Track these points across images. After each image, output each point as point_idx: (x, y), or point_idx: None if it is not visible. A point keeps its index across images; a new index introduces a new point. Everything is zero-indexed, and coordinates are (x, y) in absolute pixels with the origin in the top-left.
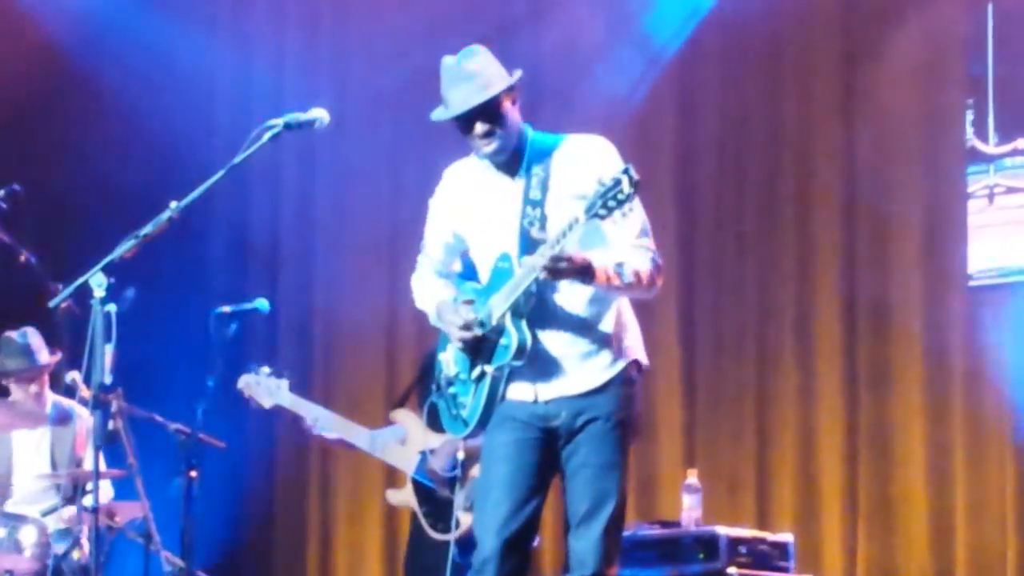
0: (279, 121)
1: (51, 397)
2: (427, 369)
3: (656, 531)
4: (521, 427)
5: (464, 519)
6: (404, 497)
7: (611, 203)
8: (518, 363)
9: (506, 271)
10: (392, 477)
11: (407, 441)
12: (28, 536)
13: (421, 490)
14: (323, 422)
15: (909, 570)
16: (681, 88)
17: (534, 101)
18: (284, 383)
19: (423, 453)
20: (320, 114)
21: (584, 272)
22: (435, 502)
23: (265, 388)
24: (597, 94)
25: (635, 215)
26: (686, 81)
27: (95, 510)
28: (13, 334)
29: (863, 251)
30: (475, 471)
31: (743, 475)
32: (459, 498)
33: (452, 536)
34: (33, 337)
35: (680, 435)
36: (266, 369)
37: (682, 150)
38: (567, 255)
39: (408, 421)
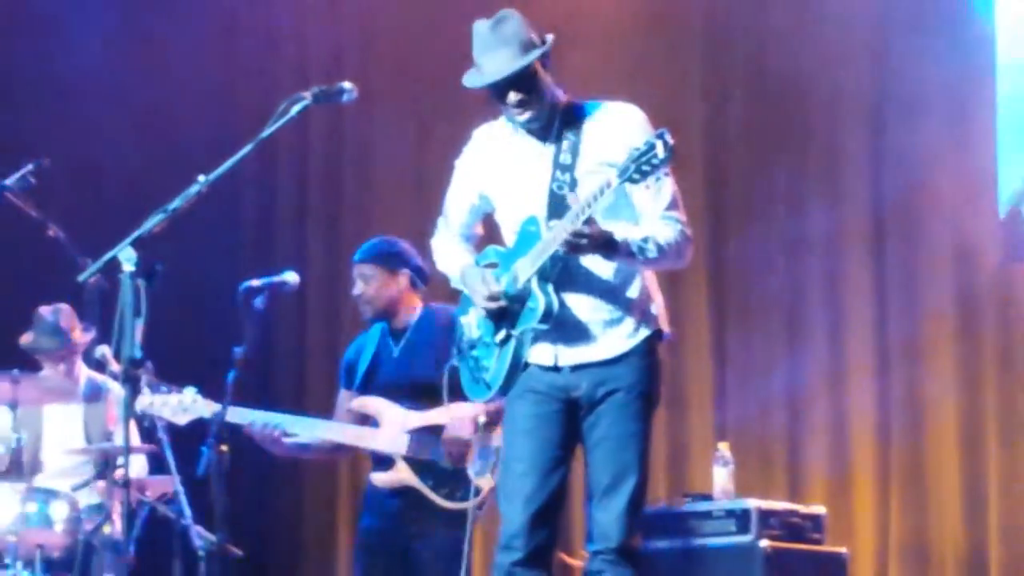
0: (306, 93)
1: (84, 372)
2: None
3: (688, 504)
4: (542, 399)
5: (483, 484)
6: (398, 476)
7: (644, 167)
8: (543, 327)
9: (533, 235)
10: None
11: (382, 424)
12: (59, 511)
13: (419, 466)
14: (281, 424)
15: (942, 543)
16: (711, 61)
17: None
18: (195, 396)
19: (413, 432)
20: (347, 86)
21: (606, 247)
22: (439, 475)
23: (175, 406)
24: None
25: (665, 186)
26: (715, 54)
27: (126, 485)
28: (46, 311)
29: (892, 229)
30: (493, 438)
31: (775, 447)
32: (473, 466)
33: (472, 503)
34: (66, 316)
35: (711, 407)
36: (164, 389)
37: (711, 120)
38: (589, 231)
39: (375, 405)
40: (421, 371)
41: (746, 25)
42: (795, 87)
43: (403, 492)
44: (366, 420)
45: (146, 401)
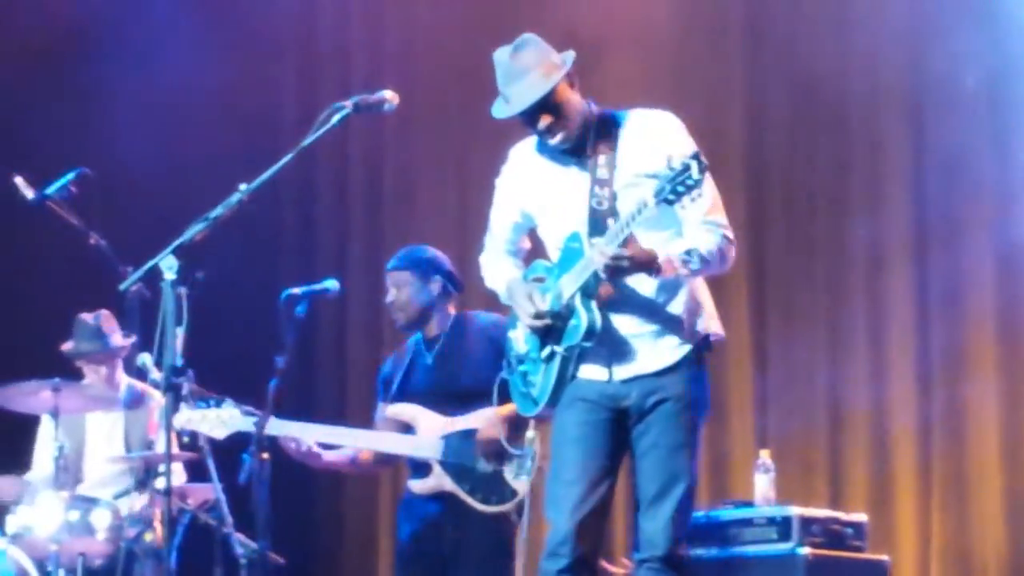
0: (348, 103)
1: (125, 380)
2: (397, 371)
3: (729, 511)
4: (591, 408)
5: (520, 488)
6: (435, 483)
7: (680, 188)
8: (588, 344)
9: (576, 251)
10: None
11: (418, 431)
12: (101, 519)
13: (455, 471)
14: (318, 436)
15: (983, 550)
16: (751, 63)
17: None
18: (234, 410)
19: (448, 437)
20: (388, 95)
21: (648, 267)
22: (476, 479)
23: (213, 420)
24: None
25: (705, 191)
26: (755, 56)
27: (167, 493)
28: (87, 316)
29: (935, 232)
30: (527, 440)
31: (816, 455)
32: (511, 470)
33: (506, 507)
34: (107, 320)
35: (752, 415)
36: (202, 404)
37: (752, 127)
38: (628, 253)
39: (410, 412)
40: (454, 377)
41: (786, 26)
42: (835, 88)
43: (441, 498)
44: (404, 428)
45: (184, 417)
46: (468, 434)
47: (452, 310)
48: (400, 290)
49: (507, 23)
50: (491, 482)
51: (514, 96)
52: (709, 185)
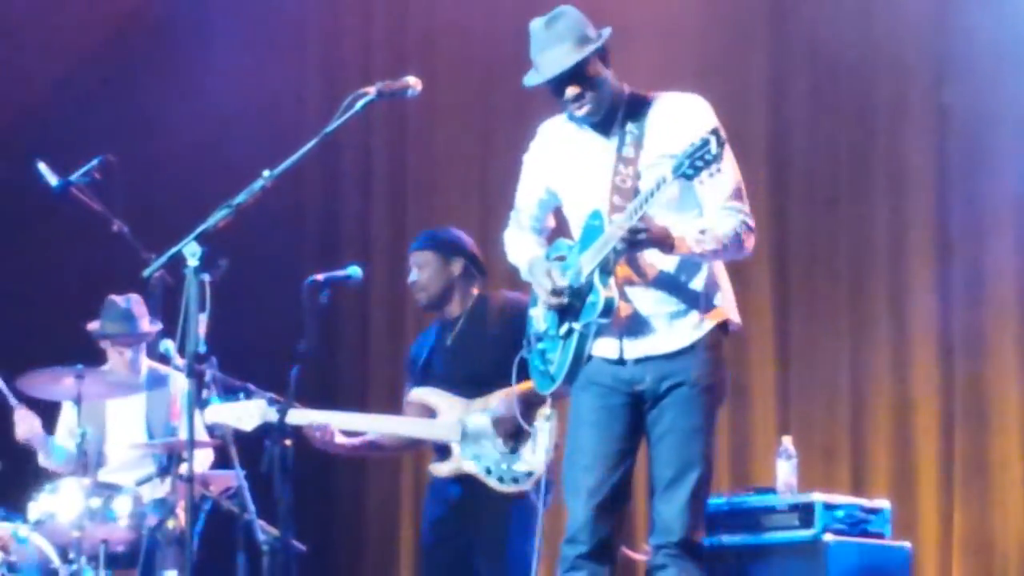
0: (371, 89)
1: (146, 364)
2: (422, 352)
3: (751, 497)
4: (607, 392)
5: (537, 467)
6: (455, 465)
7: (698, 163)
8: (605, 321)
9: (597, 228)
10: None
11: (439, 414)
12: (123, 506)
13: (474, 453)
14: (340, 423)
15: (1006, 537)
16: (774, 52)
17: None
18: (260, 402)
19: (466, 419)
20: (411, 81)
21: (663, 242)
22: (494, 459)
23: (242, 412)
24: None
25: (727, 176)
26: (778, 45)
27: (189, 479)
28: (118, 298)
29: (957, 219)
30: (543, 416)
31: (838, 441)
32: (528, 449)
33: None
34: (137, 304)
35: (774, 401)
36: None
37: (775, 118)
38: (645, 226)
39: (432, 396)
40: (473, 359)
41: (809, 14)
42: (859, 77)
43: (462, 480)
44: (427, 411)
45: (213, 412)
46: (485, 415)
47: (475, 291)
48: (422, 270)
49: (531, 10)
50: (508, 462)
51: (544, 64)
52: (732, 169)
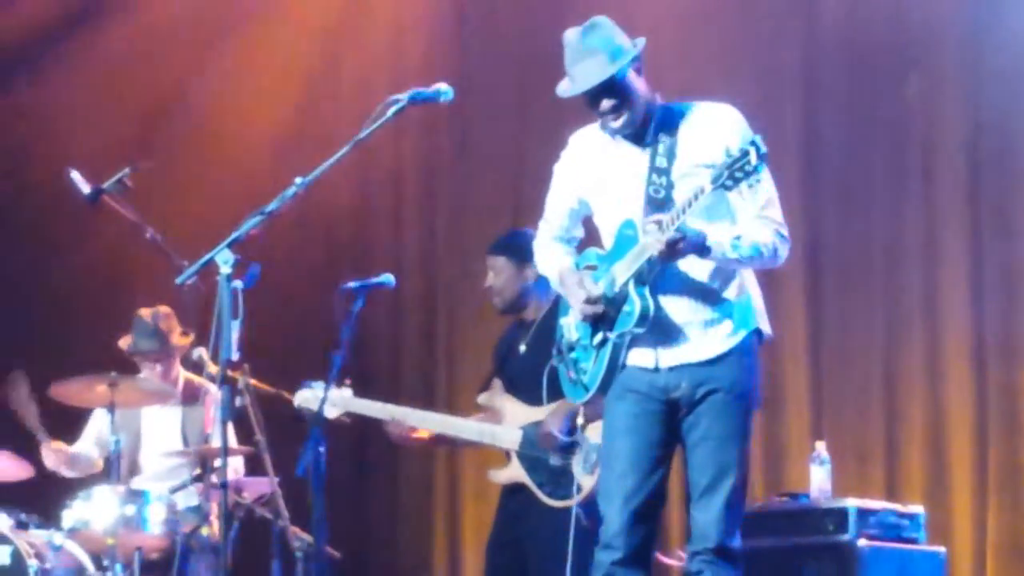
0: (403, 95)
1: (182, 375)
2: (502, 353)
3: (785, 503)
4: (642, 399)
5: (585, 483)
6: (511, 473)
7: (738, 174)
8: (640, 330)
9: (631, 238)
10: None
11: (503, 420)
12: (157, 513)
13: (530, 462)
14: (412, 420)
15: None
16: (806, 53)
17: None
18: (346, 391)
19: (526, 428)
20: (443, 87)
21: (700, 249)
22: (547, 471)
23: (328, 400)
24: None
25: (762, 186)
26: (810, 42)
27: (224, 487)
28: (145, 314)
29: (990, 221)
30: (592, 434)
31: (872, 447)
32: (577, 463)
33: (572, 501)
34: (165, 319)
35: (808, 407)
36: (321, 383)
37: (808, 121)
38: (681, 236)
39: (500, 401)
40: (542, 367)
41: (844, 11)
42: (891, 70)
43: (519, 489)
44: (494, 415)
45: (301, 396)
46: (544, 426)
47: (551, 297)
48: (497, 275)
49: (561, 8)
50: (559, 476)
51: (579, 76)
52: (767, 181)
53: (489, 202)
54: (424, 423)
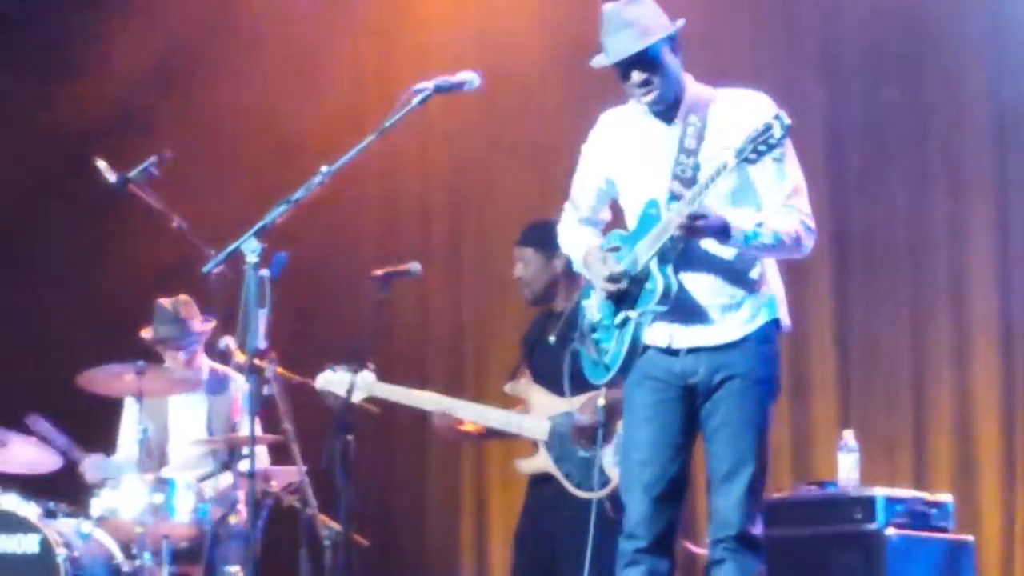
0: (429, 84)
1: (207, 364)
2: (531, 343)
3: (813, 491)
4: (661, 387)
5: (614, 474)
6: (538, 463)
7: (761, 147)
8: (662, 308)
9: (653, 217)
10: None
11: (531, 410)
12: (185, 501)
13: (558, 453)
14: (437, 406)
15: None
16: (826, 42)
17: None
18: (370, 375)
19: (555, 418)
20: (470, 76)
21: (720, 231)
22: (576, 462)
23: (351, 383)
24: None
25: (789, 173)
26: (832, 36)
27: (251, 475)
28: (166, 302)
29: (1016, 208)
30: (620, 425)
31: (899, 435)
32: (608, 454)
33: (602, 492)
34: (185, 306)
35: (835, 395)
36: (343, 366)
37: (832, 110)
38: (703, 213)
39: (528, 391)
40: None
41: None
42: (913, 63)
43: (546, 479)
44: (522, 404)
45: (324, 379)
46: (573, 418)
47: (580, 287)
48: (526, 266)
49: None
50: (589, 467)
51: (612, 47)
52: (794, 168)
53: (517, 190)
54: (451, 410)
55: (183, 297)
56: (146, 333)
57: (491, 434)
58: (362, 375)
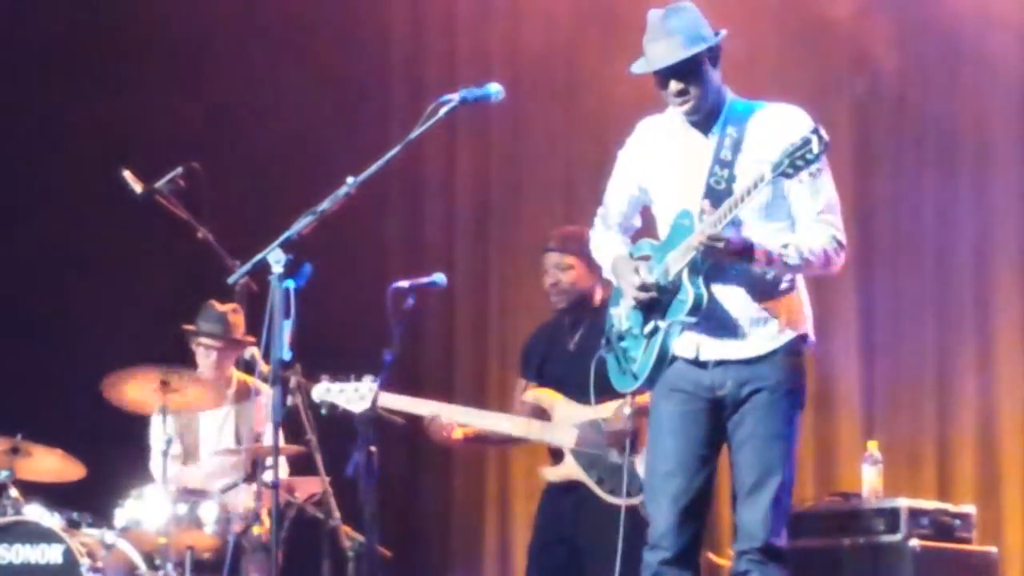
0: (454, 95)
1: (236, 375)
2: (540, 350)
3: (837, 502)
4: (688, 398)
5: None
6: (566, 471)
7: (799, 162)
8: (692, 319)
9: (686, 228)
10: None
11: (553, 417)
12: (209, 512)
13: (587, 460)
14: (453, 416)
15: None
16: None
17: None
18: (372, 385)
19: (582, 425)
20: (495, 88)
21: (741, 254)
22: (606, 469)
23: (351, 394)
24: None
25: (823, 188)
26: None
27: (275, 486)
28: (216, 303)
29: None
30: (623, 414)
31: (923, 446)
32: (639, 461)
33: (636, 499)
34: (235, 313)
35: (859, 407)
36: (342, 377)
37: (860, 121)
38: (724, 236)
39: (547, 398)
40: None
41: (894, 12)
42: (943, 64)
43: (573, 487)
44: (541, 413)
45: (323, 389)
46: (602, 424)
47: (601, 292)
48: (564, 273)
49: (613, 8)
50: (619, 474)
51: (653, 55)
52: (828, 182)
53: (540, 198)
54: (467, 419)
55: (235, 305)
56: (188, 326)
57: (479, 439)
58: (366, 384)
